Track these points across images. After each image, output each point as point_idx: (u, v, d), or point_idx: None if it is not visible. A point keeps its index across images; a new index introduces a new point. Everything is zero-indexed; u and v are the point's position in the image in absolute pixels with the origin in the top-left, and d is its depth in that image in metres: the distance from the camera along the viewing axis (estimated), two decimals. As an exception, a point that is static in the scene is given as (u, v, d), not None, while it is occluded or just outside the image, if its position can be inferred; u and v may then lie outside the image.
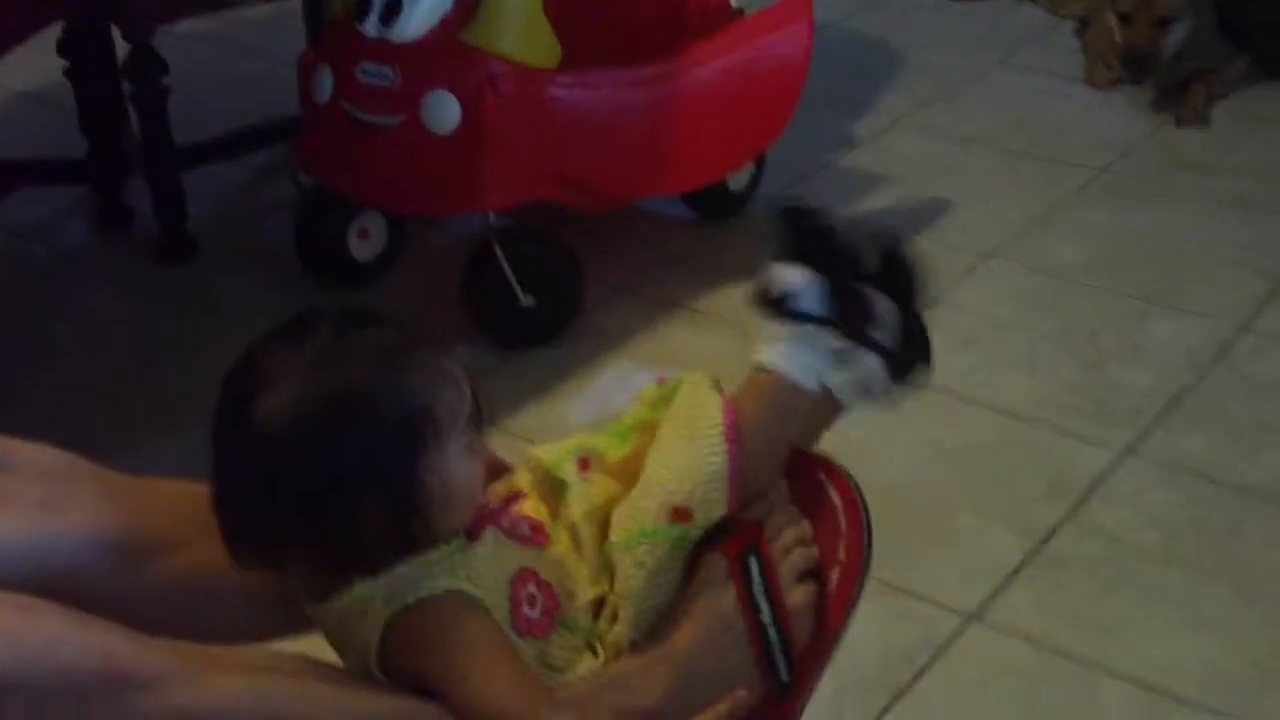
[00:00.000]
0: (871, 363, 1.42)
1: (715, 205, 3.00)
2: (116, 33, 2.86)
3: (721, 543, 1.37)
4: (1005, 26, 4.01)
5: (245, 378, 1.24)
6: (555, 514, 1.39)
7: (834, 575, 1.42)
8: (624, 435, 1.43)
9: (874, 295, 1.43)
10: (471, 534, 1.29)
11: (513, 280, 2.52)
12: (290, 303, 2.69)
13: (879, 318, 1.42)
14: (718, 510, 1.36)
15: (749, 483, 1.38)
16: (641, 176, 2.72)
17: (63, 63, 2.96)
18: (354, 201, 2.67)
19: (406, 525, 1.23)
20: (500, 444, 1.43)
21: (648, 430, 1.42)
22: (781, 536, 1.40)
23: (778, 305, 1.43)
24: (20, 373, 2.55)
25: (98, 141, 3.00)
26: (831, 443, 1.46)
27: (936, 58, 3.81)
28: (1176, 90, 3.45)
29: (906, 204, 3.09)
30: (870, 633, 1.91)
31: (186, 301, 2.75)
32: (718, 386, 1.41)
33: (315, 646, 1.31)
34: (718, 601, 1.36)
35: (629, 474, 1.39)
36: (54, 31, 2.93)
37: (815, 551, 1.41)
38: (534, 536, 1.34)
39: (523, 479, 1.42)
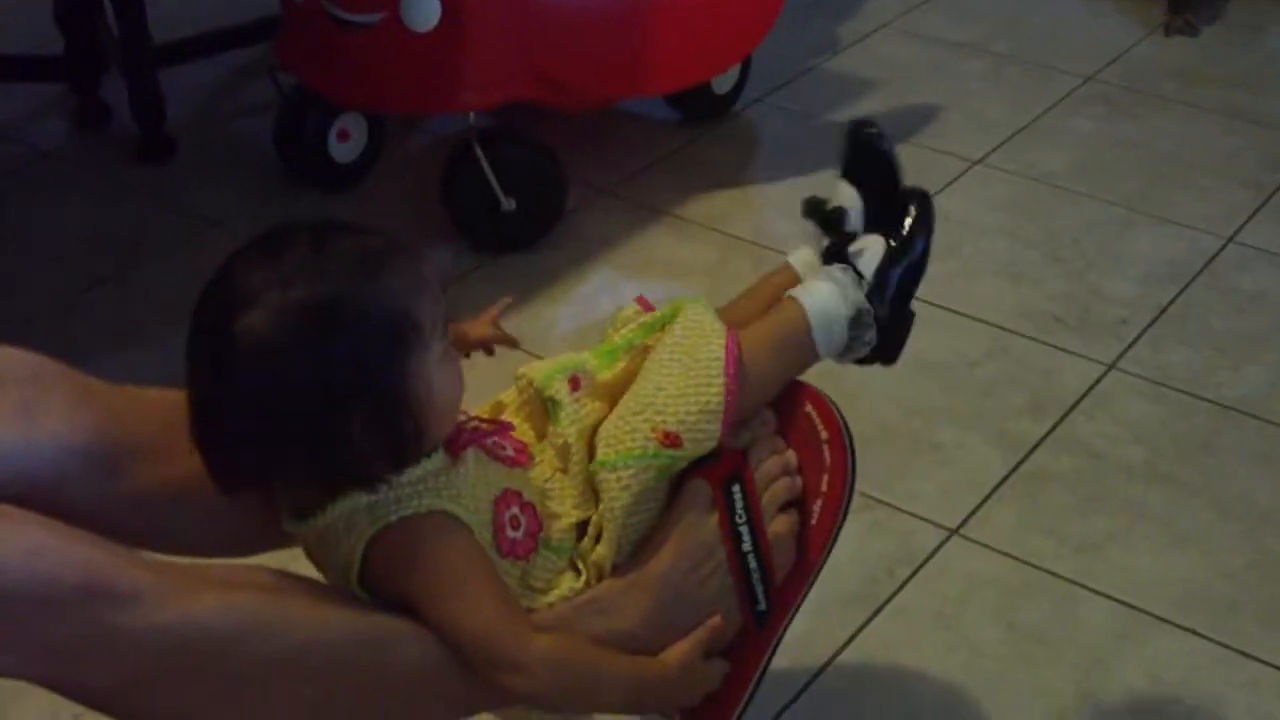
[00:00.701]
0: (872, 337, 1.47)
1: (700, 108, 2.98)
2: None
3: (706, 468, 1.37)
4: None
5: (223, 294, 1.21)
6: (541, 434, 1.38)
7: (816, 507, 1.42)
8: (614, 355, 1.42)
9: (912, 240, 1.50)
10: (453, 452, 1.28)
11: (493, 182, 2.50)
12: (270, 204, 2.69)
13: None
14: (709, 443, 1.35)
15: (740, 414, 1.38)
16: (623, 76, 2.70)
17: (38, -44, 2.92)
18: (334, 102, 2.64)
19: (397, 432, 1.22)
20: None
21: (639, 353, 1.41)
22: (765, 466, 1.40)
23: (831, 218, 1.47)
24: (-5, 274, 2.53)
25: (74, 38, 2.96)
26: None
27: (924, -41, 3.78)
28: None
29: (892, 109, 3.07)
30: (851, 546, 1.91)
31: (165, 202, 2.73)
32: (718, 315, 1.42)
33: (293, 560, 1.30)
34: (700, 528, 1.35)
35: (618, 396, 1.38)
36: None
37: (799, 482, 1.41)
38: (517, 457, 1.34)
39: (509, 397, 1.41)
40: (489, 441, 1.32)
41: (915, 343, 2.31)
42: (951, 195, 2.76)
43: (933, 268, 2.53)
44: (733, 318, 1.45)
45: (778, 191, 2.79)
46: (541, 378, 1.38)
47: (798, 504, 1.42)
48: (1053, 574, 1.95)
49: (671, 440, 1.33)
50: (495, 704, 1.31)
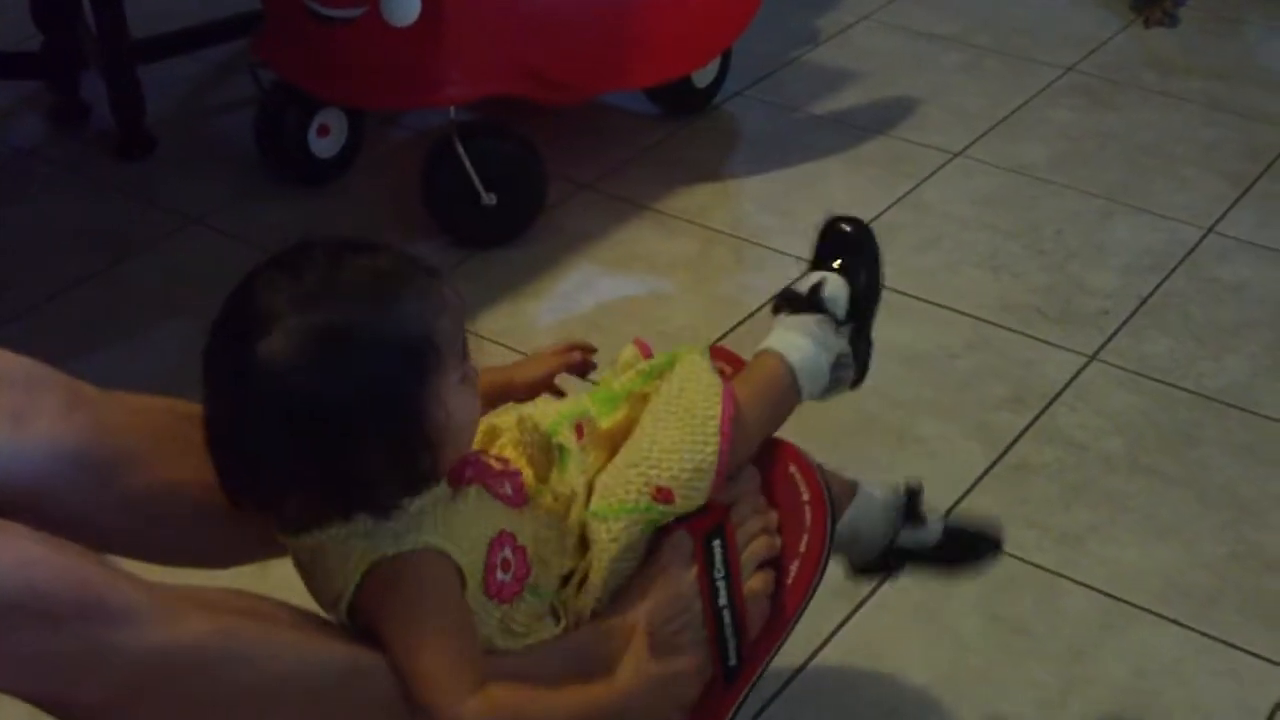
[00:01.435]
0: (849, 377, 1.53)
1: (680, 102, 2.98)
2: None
3: (690, 520, 1.38)
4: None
5: (243, 313, 1.21)
6: (543, 477, 1.39)
7: (793, 567, 1.45)
8: (614, 402, 1.44)
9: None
10: (455, 483, 1.28)
11: (474, 177, 2.50)
12: (250, 201, 2.68)
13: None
14: (699, 499, 1.37)
15: (730, 469, 1.40)
16: (604, 70, 2.70)
17: (16, -47, 2.91)
18: (314, 97, 2.63)
19: (412, 458, 1.22)
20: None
21: (638, 400, 1.43)
22: (747, 524, 1.42)
23: (806, 301, 1.50)
24: (-26, 272, 2.52)
25: (53, 34, 2.95)
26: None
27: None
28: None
29: (872, 101, 3.07)
30: (833, 540, 1.91)
31: (145, 199, 2.72)
32: (717, 369, 1.43)
33: (272, 573, 1.30)
34: (679, 580, 1.37)
35: (618, 445, 1.40)
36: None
37: (778, 542, 1.44)
38: (515, 497, 1.33)
39: (504, 422, 1.41)
40: (492, 481, 1.32)
41: (897, 335, 2.34)
42: (932, 187, 2.76)
43: (914, 260, 2.54)
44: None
45: (759, 185, 2.79)
46: (549, 423, 1.38)
47: (775, 563, 1.44)
48: (1035, 565, 1.96)
49: (664, 496, 1.35)
50: None
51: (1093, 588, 1.93)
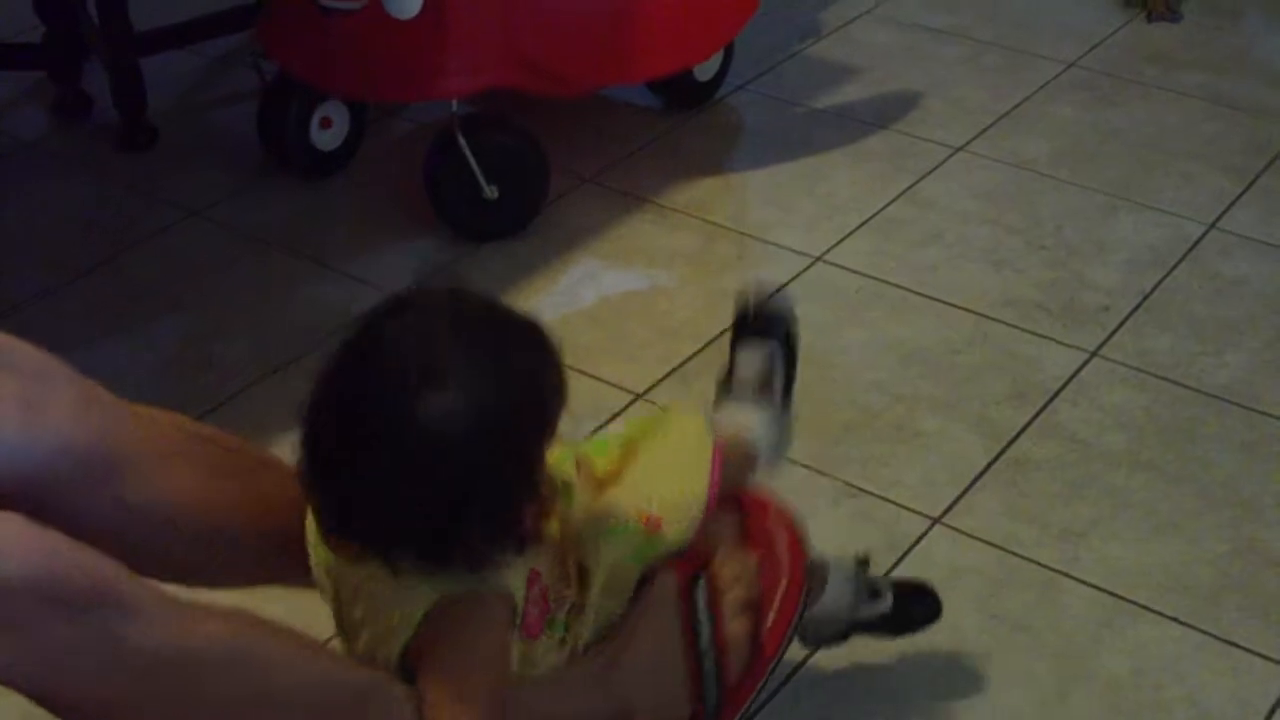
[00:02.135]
0: (790, 438, 1.61)
1: (682, 95, 2.97)
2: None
3: (675, 562, 1.42)
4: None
5: (402, 359, 1.21)
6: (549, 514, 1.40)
7: (770, 616, 1.49)
8: (605, 448, 1.46)
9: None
10: None
11: (476, 170, 2.50)
12: (252, 193, 2.68)
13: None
14: (687, 534, 1.40)
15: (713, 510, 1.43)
16: (606, 63, 2.69)
17: (18, -56, 2.90)
18: (316, 89, 2.63)
19: (524, 521, 1.26)
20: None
21: (632, 451, 1.45)
22: (729, 568, 1.46)
23: (749, 384, 1.58)
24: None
25: (55, 26, 2.94)
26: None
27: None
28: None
29: (874, 95, 3.06)
30: (834, 535, 1.91)
31: (146, 191, 2.72)
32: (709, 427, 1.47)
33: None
34: (663, 621, 1.40)
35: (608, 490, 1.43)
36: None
37: (757, 591, 1.47)
38: (535, 534, 1.35)
39: None
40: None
41: (898, 330, 2.33)
42: (933, 182, 2.76)
43: (915, 255, 2.54)
44: None
45: (760, 178, 2.78)
46: (553, 459, 1.38)
47: (755, 605, 1.47)
48: (1035, 562, 1.95)
49: (654, 524, 1.38)
50: None
51: (1093, 584, 1.92)
